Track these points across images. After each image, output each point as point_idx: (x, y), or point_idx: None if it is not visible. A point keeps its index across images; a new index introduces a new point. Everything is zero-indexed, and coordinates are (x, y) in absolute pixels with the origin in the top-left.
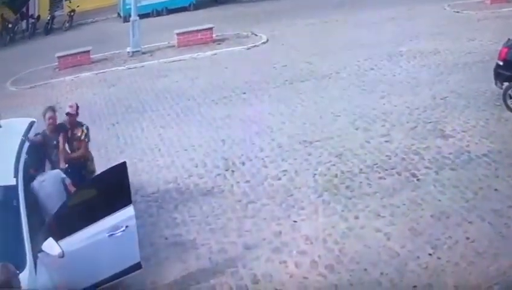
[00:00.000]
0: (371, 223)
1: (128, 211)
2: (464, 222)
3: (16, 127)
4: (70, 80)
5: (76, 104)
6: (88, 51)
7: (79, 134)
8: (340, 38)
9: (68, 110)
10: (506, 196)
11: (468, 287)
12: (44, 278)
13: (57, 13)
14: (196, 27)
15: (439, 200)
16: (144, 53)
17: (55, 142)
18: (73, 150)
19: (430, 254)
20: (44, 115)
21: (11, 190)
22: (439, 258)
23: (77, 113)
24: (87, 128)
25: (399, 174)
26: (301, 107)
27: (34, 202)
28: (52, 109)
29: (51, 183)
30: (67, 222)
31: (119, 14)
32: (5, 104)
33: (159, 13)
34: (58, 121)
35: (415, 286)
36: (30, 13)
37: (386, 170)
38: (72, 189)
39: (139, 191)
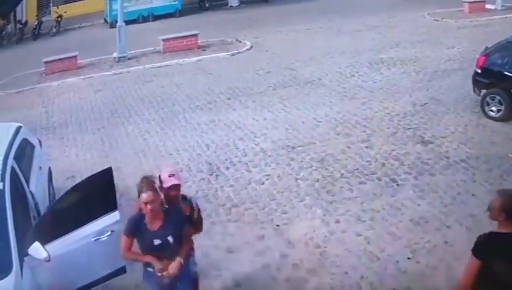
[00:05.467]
0: (352, 227)
1: (114, 216)
2: (442, 227)
3: (2, 131)
4: (57, 85)
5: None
6: (75, 56)
7: (187, 213)
8: (322, 46)
9: (172, 181)
10: (483, 201)
11: None
12: (30, 282)
13: (44, 18)
14: (182, 33)
15: (418, 205)
16: (130, 58)
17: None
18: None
19: (409, 258)
20: (140, 193)
21: None
22: (418, 262)
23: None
24: (198, 206)
25: (379, 179)
26: (284, 112)
27: (21, 206)
28: (152, 184)
29: None
30: (54, 226)
31: (105, 19)
32: None
33: (145, 19)
34: None
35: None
36: (18, 18)
37: (367, 175)
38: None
39: (124, 195)
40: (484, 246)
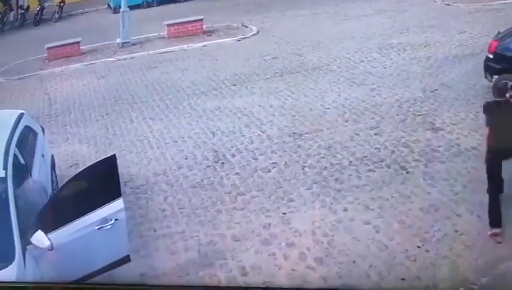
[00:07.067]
0: (360, 215)
1: (118, 204)
2: (452, 215)
3: (5, 118)
4: (59, 71)
5: None
6: (78, 42)
7: None
8: (330, 31)
9: None
10: None
11: (456, 280)
12: (33, 270)
13: (46, 4)
14: (186, 18)
15: (428, 193)
16: (133, 44)
17: None
18: None
19: (418, 247)
20: None
21: (0, 182)
22: (427, 251)
23: None
24: None
25: (388, 166)
26: (291, 99)
27: (24, 195)
28: None
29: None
30: (57, 214)
31: (109, 5)
32: None
33: (149, 4)
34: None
35: (403, 279)
36: (19, 4)
37: (375, 162)
38: None
39: (128, 183)
40: None
